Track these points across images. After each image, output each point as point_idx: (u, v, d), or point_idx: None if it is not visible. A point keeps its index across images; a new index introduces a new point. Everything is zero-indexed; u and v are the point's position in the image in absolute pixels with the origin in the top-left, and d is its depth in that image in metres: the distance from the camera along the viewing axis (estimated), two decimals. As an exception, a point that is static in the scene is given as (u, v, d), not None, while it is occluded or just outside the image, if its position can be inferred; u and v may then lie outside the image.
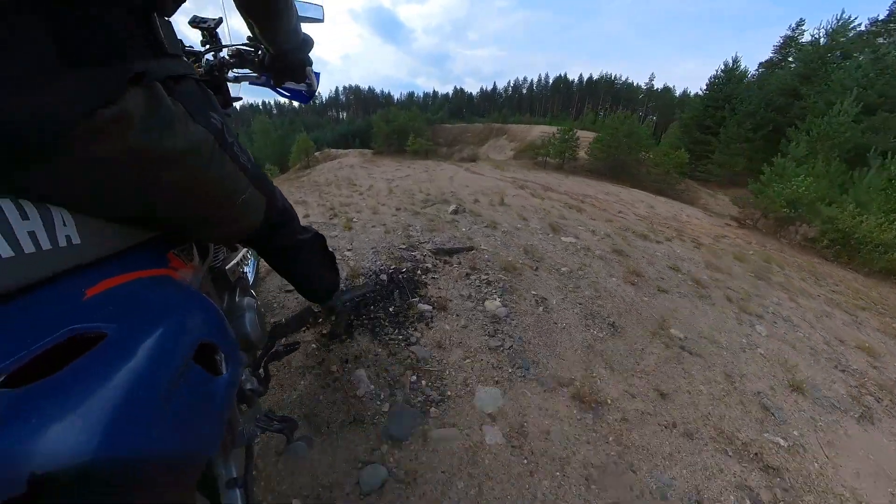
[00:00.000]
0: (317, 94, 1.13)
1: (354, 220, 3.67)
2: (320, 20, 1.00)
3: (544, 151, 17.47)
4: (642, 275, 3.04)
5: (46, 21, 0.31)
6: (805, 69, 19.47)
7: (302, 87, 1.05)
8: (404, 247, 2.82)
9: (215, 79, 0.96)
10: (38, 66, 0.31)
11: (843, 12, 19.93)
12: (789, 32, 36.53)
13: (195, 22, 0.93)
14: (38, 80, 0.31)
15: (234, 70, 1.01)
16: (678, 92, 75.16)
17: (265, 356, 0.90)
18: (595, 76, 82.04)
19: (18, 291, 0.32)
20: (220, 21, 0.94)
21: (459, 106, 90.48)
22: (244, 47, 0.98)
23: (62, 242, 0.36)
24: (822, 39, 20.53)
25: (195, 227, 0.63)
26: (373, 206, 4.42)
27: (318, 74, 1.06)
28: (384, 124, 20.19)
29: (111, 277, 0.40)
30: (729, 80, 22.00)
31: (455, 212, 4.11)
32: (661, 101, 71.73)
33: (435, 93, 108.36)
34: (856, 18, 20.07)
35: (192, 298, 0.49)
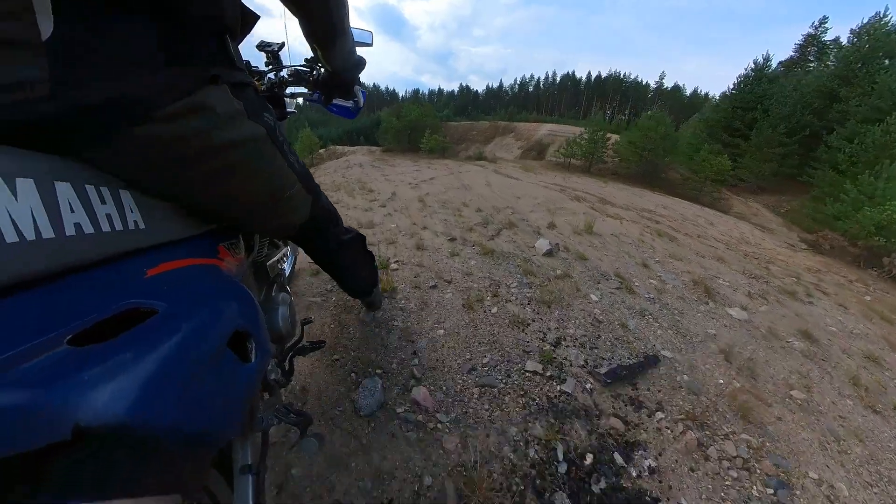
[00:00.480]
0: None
1: (393, 266, 2.26)
2: (369, 44, 1.12)
3: (567, 152, 16.12)
4: (865, 386, 1.85)
5: (157, 29, 0.41)
6: (844, 70, 18.16)
7: (349, 104, 1.15)
8: (536, 370, 1.46)
9: (275, 95, 1.09)
10: (147, 60, 0.40)
11: (886, 9, 18.60)
12: (811, 30, 35.09)
13: (261, 46, 1.12)
14: (145, 70, 0.40)
15: (291, 88, 1.13)
16: (688, 91, 73.60)
17: (292, 350, 0.92)
18: (603, 74, 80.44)
19: (94, 264, 0.35)
20: (282, 45, 1.13)
21: (465, 104, 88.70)
22: (301, 68, 1.10)
23: (131, 226, 0.41)
24: (855, 38, 19.17)
25: (246, 217, 0.68)
26: (410, 232, 3.06)
27: (364, 93, 1.15)
28: (395, 120, 18.86)
29: (168, 261, 0.45)
30: (759, 80, 20.64)
31: (550, 252, 2.81)
32: (671, 100, 70.16)
33: (440, 90, 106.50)
34: (889, 15, 18.75)
35: (234, 288, 0.52)
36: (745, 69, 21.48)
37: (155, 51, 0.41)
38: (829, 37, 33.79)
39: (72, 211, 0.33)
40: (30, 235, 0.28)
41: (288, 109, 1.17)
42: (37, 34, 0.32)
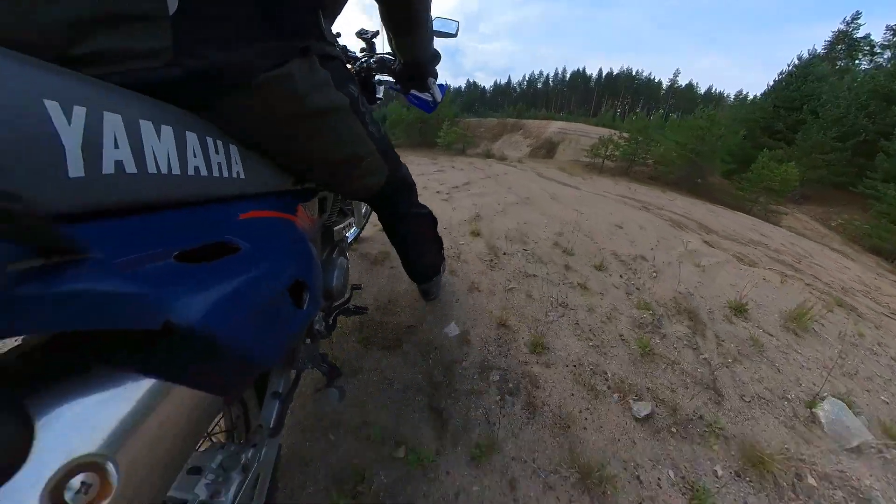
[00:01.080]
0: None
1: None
2: (453, 35, 1.11)
3: (600, 152, 14.14)
4: None
5: (260, 5, 0.44)
6: (903, 69, 16.28)
7: (427, 96, 1.12)
8: None
9: (364, 79, 1.16)
10: (251, 32, 0.44)
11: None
12: (843, 27, 33.08)
13: (360, 33, 1.22)
14: (248, 40, 0.44)
15: (379, 74, 1.16)
16: (702, 89, 71.14)
17: (338, 309, 1.01)
18: (614, 71, 78.04)
19: (202, 201, 0.41)
20: (377, 33, 1.20)
21: (472, 100, 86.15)
22: (386, 56, 1.11)
23: (234, 175, 0.47)
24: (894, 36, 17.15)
25: (326, 177, 0.72)
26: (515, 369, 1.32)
27: (442, 87, 1.12)
28: (405, 111, 17.05)
29: (257, 210, 0.51)
30: (806, 78, 18.76)
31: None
32: (684, 98, 67.84)
33: (447, 86, 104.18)
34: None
35: (302, 244, 0.57)
36: (788, 65, 19.61)
37: (256, 24, 0.45)
38: (860, 34, 31.84)
39: (194, 156, 0.40)
40: (164, 170, 0.35)
41: (377, 95, 1.24)
42: (165, 10, 0.38)
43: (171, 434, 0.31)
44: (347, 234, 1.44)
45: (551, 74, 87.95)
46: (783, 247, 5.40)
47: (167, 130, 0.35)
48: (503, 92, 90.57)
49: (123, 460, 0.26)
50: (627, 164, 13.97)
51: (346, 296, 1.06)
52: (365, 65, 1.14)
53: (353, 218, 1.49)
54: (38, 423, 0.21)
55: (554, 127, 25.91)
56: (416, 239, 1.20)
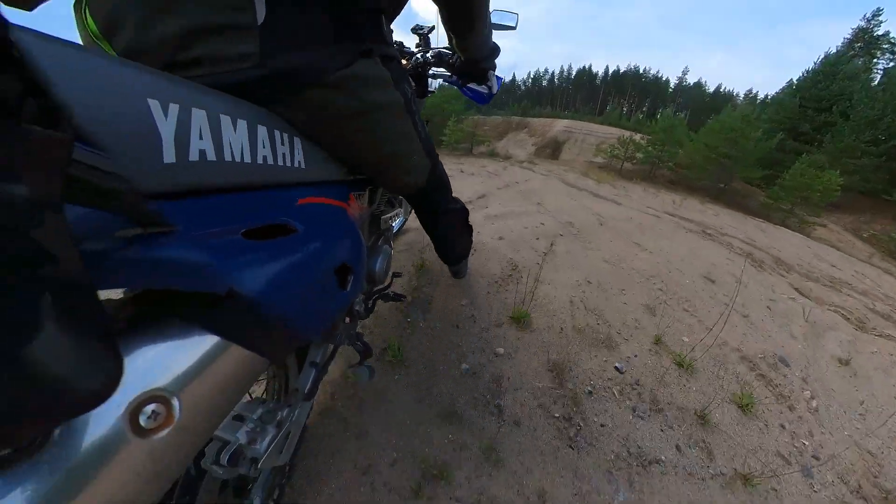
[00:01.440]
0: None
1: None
2: (513, 27, 1.11)
3: (617, 152, 13.02)
4: None
5: (331, 12, 0.49)
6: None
7: (483, 89, 1.12)
8: None
9: (419, 74, 1.19)
10: (323, 37, 0.49)
11: None
12: (862, 23, 31.79)
13: (415, 29, 1.24)
14: (320, 45, 0.50)
15: (434, 69, 1.21)
16: (711, 88, 69.37)
17: (378, 294, 1.08)
18: (621, 68, 76.61)
19: (267, 186, 0.46)
20: (432, 28, 1.22)
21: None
22: (444, 50, 1.14)
23: (296, 165, 0.52)
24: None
25: (373, 172, 0.76)
26: None
27: (500, 79, 1.13)
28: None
29: (313, 197, 0.55)
30: (835, 77, 17.48)
31: None
32: (692, 96, 66.14)
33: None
34: None
35: (351, 230, 0.61)
36: (814, 62, 18.37)
37: (327, 29, 0.50)
38: (880, 31, 30.63)
39: (263, 147, 0.44)
40: (237, 158, 0.40)
41: (430, 89, 1.27)
42: (254, 20, 0.44)
43: (224, 383, 0.35)
44: (393, 224, 1.49)
45: (556, 72, 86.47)
46: (867, 285, 4.31)
47: (242, 124, 0.41)
48: (507, 89, 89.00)
49: (185, 398, 0.31)
50: (650, 167, 12.93)
51: (387, 282, 1.12)
52: (420, 59, 1.18)
53: (400, 209, 1.56)
54: (126, 359, 0.24)
55: (559, 125, 25.23)
56: (449, 232, 1.26)
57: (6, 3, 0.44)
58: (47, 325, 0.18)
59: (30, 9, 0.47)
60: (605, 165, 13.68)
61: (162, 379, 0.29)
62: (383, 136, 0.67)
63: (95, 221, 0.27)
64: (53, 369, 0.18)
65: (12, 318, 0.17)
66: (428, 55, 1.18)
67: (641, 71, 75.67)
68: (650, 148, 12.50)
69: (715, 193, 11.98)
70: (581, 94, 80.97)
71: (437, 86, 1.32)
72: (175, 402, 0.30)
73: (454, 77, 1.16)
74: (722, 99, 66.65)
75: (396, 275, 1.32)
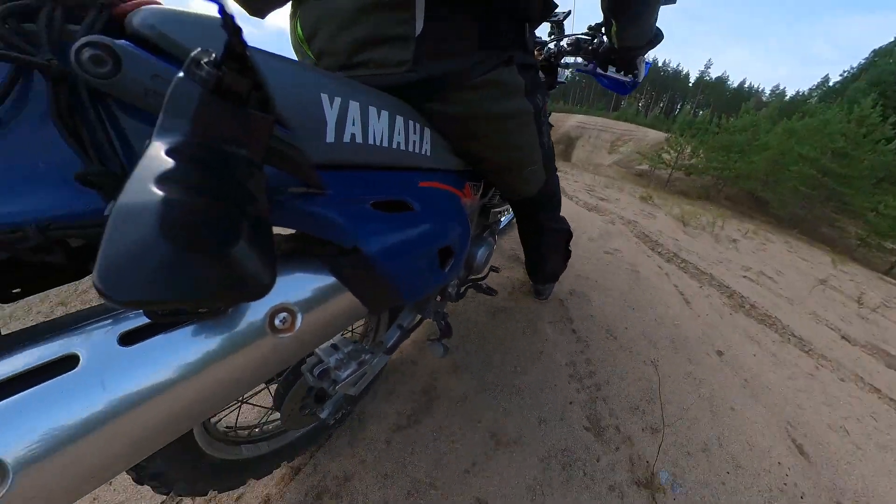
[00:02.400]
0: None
1: None
2: (673, 2, 0.94)
3: (656, 157, 10.67)
4: None
5: (479, 22, 0.56)
6: None
7: (626, 77, 1.02)
8: None
9: (551, 64, 1.17)
10: (469, 45, 0.56)
11: None
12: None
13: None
14: (468, 53, 0.56)
15: (567, 57, 1.15)
16: (734, 83, 66.61)
17: (472, 282, 1.11)
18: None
19: (396, 168, 0.54)
20: (568, 14, 1.16)
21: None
22: (582, 36, 1.08)
23: (423, 152, 0.60)
24: None
25: (488, 174, 0.82)
26: None
27: (648, 64, 1.02)
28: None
29: (433, 182, 0.62)
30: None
31: None
32: (714, 92, 63.88)
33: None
34: None
35: (461, 217, 0.65)
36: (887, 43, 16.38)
37: (474, 38, 0.56)
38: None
39: (399, 134, 0.52)
40: (378, 142, 0.48)
41: (558, 79, 1.22)
42: (413, 32, 0.53)
43: (332, 316, 0.44)
44: (501, 219, 1.50)
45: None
46: None
47: (384, 114, 0.49)
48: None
49: (306, 316, 0.40)
50: (713, 181, 9.81)
51: (484, 273, 1.16)
52: (554, 49, 1.14)
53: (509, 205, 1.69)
54: (277, 277, 0.29)
55: (573, 121, 24.69)
56: (545, 251, 1.24)
57: (249, 13, 0.62)
58: (243, 241, 0.25)
59: (263, 16, 0.63)
60: (641, 173, 10.91)
61: (295, 297, 0.39)
62: (506, 142, 0.71)
63: (278, 178, 0.36)
64: (243, 268, 0.25)
65: (226, 233, 0.24)
66: (562, 43, 1.12)
67: (661, 64, 73.67)
68: (719, 155, 8.99)
69: (791, 220, 8.92)
70: (596, 88, 79.48)
71: (567, 75, 1.23)
72: (299, 316, 0.39)
73: (591, 64, 1.08)
74: (745, 95, 63.90)
75: (494, 269, 1.35)
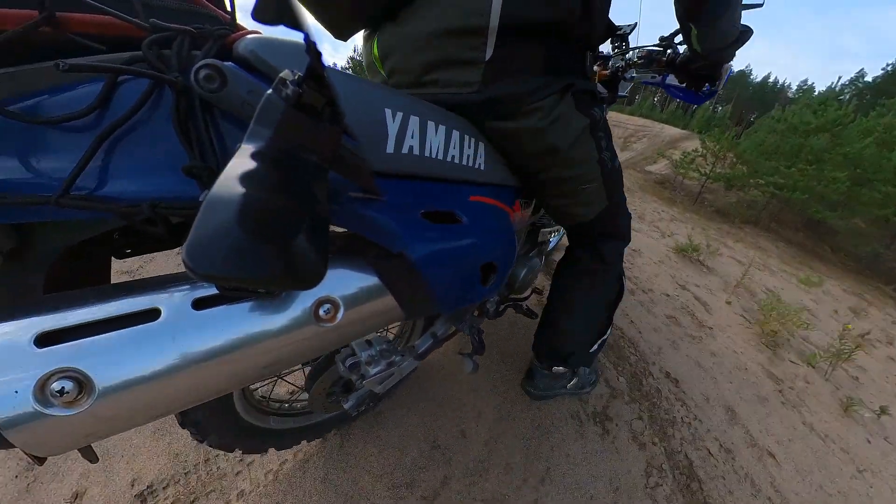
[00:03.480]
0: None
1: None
2: (760, 5, 0.83)
3: (687, 167, 7.97)
4: None
5: (545, 50, 0.60)
6: None
7: (703, 85, 0.97)
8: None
9: (615, 79, 1.12)
10: (533, 70, 0.60)
11: None
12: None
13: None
14: (530, 76, 0.60)
15: (633, 70, 1.10)
16: (758, 77, 63.52)
17: (512, 301, 1.07)
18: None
19: (448, 180, 0.56)
20: (634, 26, 1.10)
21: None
22: (654, 48, 1.04)
23: (477, 166, 0.61)
24: None
25: (543, 189, 0.78)
26: None
27: (731, 72, 0.94)
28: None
29: (483, 196, 0.64)
30: None
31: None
32: (736, 86, 61.35)
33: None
34: None
35: (508, 235, 0.67)
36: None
37: (539, 65, 0.60)
38: None
39: (454, 148, 0.55)
40: (434, 155, 0.51)
41: (620, 93, 1.18)
42: (483, 57, 0.57)
43: (371, 314, 0.47)
44: (551, 239, 1.48)
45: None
46: None
47: (442, 129, 0.52)
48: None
49: (348, 311, 0.44)
50: (762, 197, 7.05)
51: (526, 294, 1.13)
52: (622, 64, 1.10)
53: (560, 228, 1.52)
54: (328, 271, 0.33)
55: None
56: (572, 304, 0.95)
57: (334, 36, 0.68)
58: (303, 236, 0.29)
59: (345, 40, 0.70)
60: (663, 180, 8.52)
61: (340, 291, 0.43)
62: (561, 157, 0.69)
63: (340, 182, 0.39)
64: (299, 260, 0.29)
65: (290, 228, 0.28)
66: (631, 56, 1.09)
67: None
68: (781, 164, 6.41)
69: (867, 261, 6.96)
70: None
71: (630, 87, 1.18)
72: (341, 310, 0.43)
73: (661, 76, 1.05)
74: (770, 90, 60.58)
75: (537, 291, 1.27)
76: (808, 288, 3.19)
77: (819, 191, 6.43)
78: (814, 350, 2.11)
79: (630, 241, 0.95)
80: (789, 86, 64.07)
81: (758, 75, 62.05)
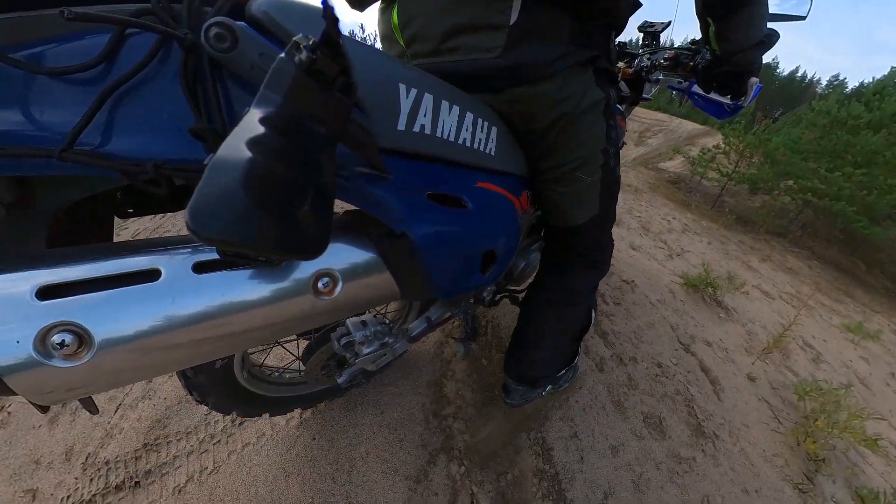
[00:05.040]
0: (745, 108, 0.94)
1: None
2: (803, 18, 0.83)
3: (699, 165, 6.58)
4: None
5: (569, 18, 0.59)
6: None
7: (725, 99, 0.92)
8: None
9: (640, 78, 1.10)
10: (556, 37, 0.59)
11: None
12: None
13: (643, 27, 1.13)
14: (553, 44, 0.59)
15: (659, 72, 1.07)
16: (784, 71, 60.68)
17: (509, 292, 1.09)
18: (675, 42, 69.48)
19: (458, 163, 0.55)
20: (667, 25, 1.12)
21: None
22: (683, 51, 1.01)
23: (487, 151, 0.59)
24: None
25: (545, 174, 0.74)
26: None
27: (759, 87, 0.84)
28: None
29: (491, 184, 0.62)
30: None
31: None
32: (761, 79, 58.59)
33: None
34: None
35: (513, 225, 0.67)
36: None
37: (564, 33, 0.59)
38: None
39: (466, 130, 0.53)
40: (445, 136, 0.50)
41: (644, 95, 1.16)
42: (507, 21, 0.56)
43: (368, 292, 0.48)
44: None
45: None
46: None
47: (455, 109, 0.50)
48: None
49: (346, 285, 0.44)
50: (793, 205, 5.63)
51: (522, 287, 1.11)
52: (647, 63, 1.09)
53: None
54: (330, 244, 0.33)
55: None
56: (553, 325, 0.94)
57: (351, 6, 0.68)
58: (307, 207, 0.29)
59: (362, 10, 0.68)
60: (677, 179, 7.07)
61: (340, 265, 0.44)
62: (571, 134, 0.67)
63: (347, 157, 0.38)
64: (301, 231, 0.29)
65: (294, 198, 0.28)
66: (658, 57, 1.05)
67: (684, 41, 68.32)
68: (823, 165, 5.26)
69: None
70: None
71: (654, 92, 1.14)
72: (339, 284, 0.43)
73: (687, 83, 1.01)
74: (798, 85, 57.72)
75: None
76: (856, 336, 2.37)
77: (868, 201, 5.03)
78: (883, 487, 1.19)
79: (607, 271, 0.93)
80: (819, 80, 61.23)
81: (785, 69, 58.90)
